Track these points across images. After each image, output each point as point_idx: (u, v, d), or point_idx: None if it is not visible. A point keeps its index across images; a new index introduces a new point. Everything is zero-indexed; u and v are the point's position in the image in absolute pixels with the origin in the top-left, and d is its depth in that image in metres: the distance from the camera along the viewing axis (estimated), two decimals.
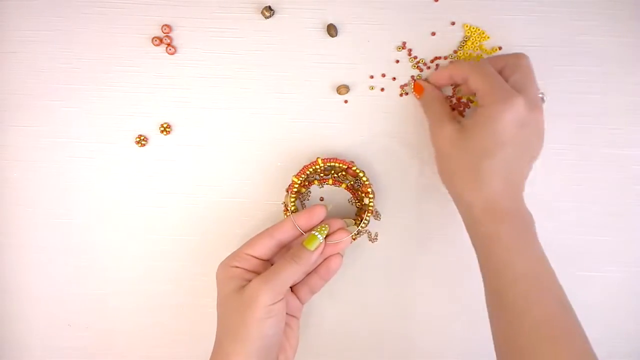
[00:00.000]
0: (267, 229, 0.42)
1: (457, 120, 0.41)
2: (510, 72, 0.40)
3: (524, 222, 0.39)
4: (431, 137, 0.43)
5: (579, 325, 0.36)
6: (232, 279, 0.40)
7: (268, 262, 0.42)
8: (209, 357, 0.40)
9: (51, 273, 0.48)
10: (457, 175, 0.40)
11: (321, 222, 0.42)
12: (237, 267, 0.40)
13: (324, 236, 0.41)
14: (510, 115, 0.38)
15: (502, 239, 0.38)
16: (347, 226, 0.43)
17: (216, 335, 0.40)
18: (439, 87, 0.45)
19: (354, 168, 0.43)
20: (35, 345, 0.49)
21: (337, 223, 0.42)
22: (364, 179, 0.43)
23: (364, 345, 0.49)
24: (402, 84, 0.46)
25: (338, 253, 0.42)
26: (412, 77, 0.46)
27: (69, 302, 0.49)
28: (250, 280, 0.39)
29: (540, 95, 0.40)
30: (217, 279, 0.41)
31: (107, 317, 0.49)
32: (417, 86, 0.45)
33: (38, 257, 0.48)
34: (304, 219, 0.41)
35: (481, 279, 0.48)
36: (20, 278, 0.48)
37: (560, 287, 0.37)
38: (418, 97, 0.45)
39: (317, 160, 0.43)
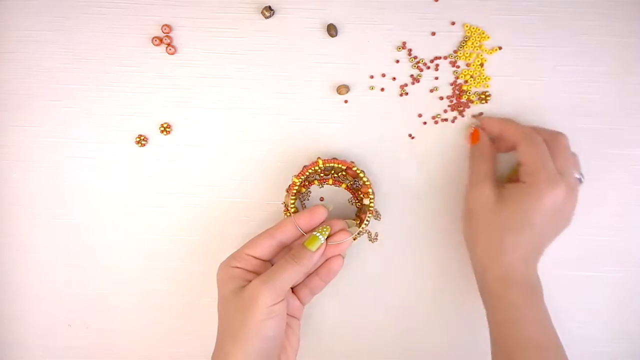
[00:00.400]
0: (268, 230, 0.42)
1: (497, 184, 0.42)
2: (551, 151, 0.40)
3: (535, 291, 0.40)
4: (467, 193, 0.43)
5: None
6: (232, 280, 0.39)
7: (269, 263, 0.42)
8: (210, 357, 0.40)
9: (51, 273, 0.48)
10: (480, 239, 0.41)
11: (322, 222, 0.42)
12: (237, 267, 0.40)
13: (325, 237, 0.40)
14: (550, 202, 0.38)
15: (513, 304, 0.38)
16: (349, 227, 0.43)
17: (217, 336, 0.40)
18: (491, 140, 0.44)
19: (354, 169, 0.43)
20: (35, 345, 0.49)
21: (339, 224, 0.42)
22: (365, 179, 0.43)
23: (365, 345, 0.49)
24: (402, 83, 0.46)
25: (339, 254, 0.42)
26: (473, 125, 0.45)
27: (69, 302, 0.49)
28: (250, 281, 0.38)
29: (578, 177, 0.41)
30: (217, 279, 0.41)
31: (107, 317, 0.49)
32: (475, 134, 0.44)
33: (38, 257, 0.48)
34: (305, 220, 0.41)
35: None
36: (20, 278, 0.48)
37: (565, 357, 0.38)
38: (471, 144, 0.44)
39: (317, 161, 0.43)
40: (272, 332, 0.37)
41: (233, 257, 0.41)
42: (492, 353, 0.40)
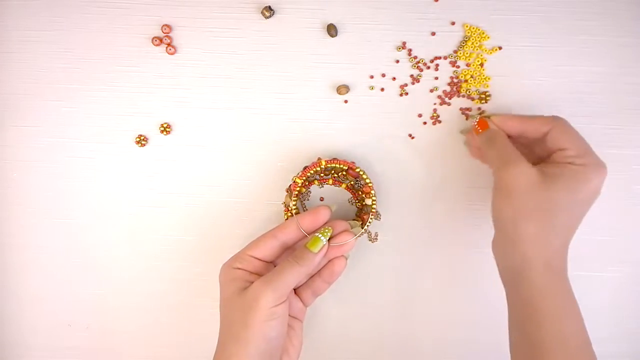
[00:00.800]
0: (271, 230, 0.41)
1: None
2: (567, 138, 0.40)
3: (568, 281, 0.38)
4: (501, 173, 0.39)
5: None
6: (235, 281, 0.39)
7: (271, 264, 0.42)
8: (210, 357, 0.40)
9: (51, 273, 0.48)
10: (525, 221, 0.37)
11: (325, 223, 0.42)
12: (239, 268, 0.40)
13: (328, 238, 0.40)
14: (598, 183, 0.38)
15: (554, 294, 0.37)
16: (352, 228, 0.43)
17: (219, 337, 0.40)
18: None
19: (358, 170, 0.43)
20: (35, 345, 0.49)
21: (341, 225, 0.42)
22: (367, 179, 0.43)
23: (366, 345, 0.49)
24: (402, 83, 0.46)
25: (342, 256, 0.42)
26: (479, 109, 0.45)
27: (69, 302, 0.49)
28: (252, 282, 0.38)
29: None
30: (219, 280, 0.41)
31: (107, 317, 0.49)
32: (482, 122, 0.42)
33: (38, 257, 0.48)
34: (308, 221, 0.41)
35: (482, 279, 0.48)
36: (20, 278, 0.48)
37: (587, 336, 0.38)
38: (479, 132, 0.42)
39: (320, 161, 0.43)
40: (274, 333, 0.37)
41: (235, 258, 0.41)
42: (514, 345, 0.39)
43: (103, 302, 0.49)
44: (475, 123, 0.43)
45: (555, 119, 0.40)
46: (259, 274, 0.40)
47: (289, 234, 0.41)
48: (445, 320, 0.49)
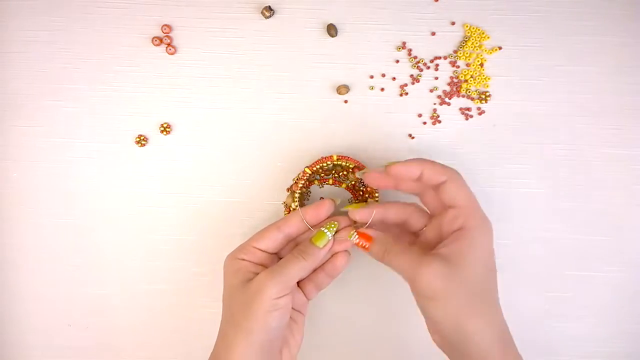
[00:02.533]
0: (275, 223, 0.42)
1: (430, 256, 0.36)
2: (456, 191, 0.37)
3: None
4: (414, 284, 0.36)
5: None
6: (239, 272, 0.40)
7: (275, 256, 0.43)
8: (210, 353, 0.40)
9: (51, 273, 0.48)
10: (461, 312, 0.35)
11: (329, 217, 0.42)
12: (244, 259, 0.40)
13: (333, 233, 0.40)
14: (491, 239, 0.37)
15: None
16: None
17: (220, 327, 0.40)
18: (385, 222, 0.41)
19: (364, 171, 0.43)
20: (35, 345, 0.49)
21: (345, 220, 0.42)
22: None
23: (365, 344, 0.49)
24: (402, 83, 0.46)
25: (345, 250, 0.42)
26: (356, 235, 0.39)
27: (69, 302, 0.49)
28: (257, 274, 0.39)
29: None
30: (224, 270, 0.41)
31: (107, 317, 0.49)
32: (363, 239, 0.39)
33: (38, 257, 0.48)
34: (312, 213, 0.41)
35: None
36: (20, 278, 0.48)
37: None
38: (366, 248, 0.39)
39: (332, 156, 0.43)
40: (276, 323, 0.38)
41: (240, 249, 0.41)
42: None
43: (103, 302, 0.49)
44: (357, 241, 0.39)
45: (450, 170, 0.38)
46: (263, 266, 0.41)
47: (293, 226, 0.41)
48: None
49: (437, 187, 0.38)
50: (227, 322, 0.40)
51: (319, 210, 0.41)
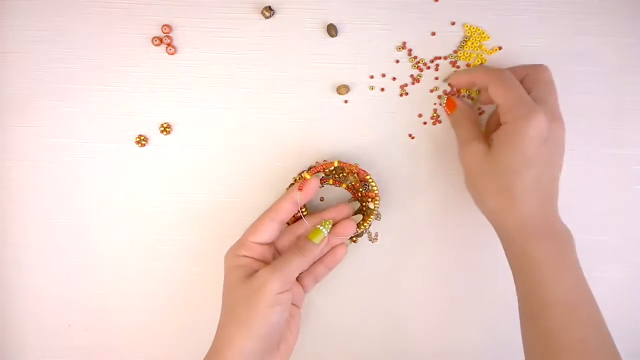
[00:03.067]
0: (267, 212, 0.42)
1: (487, 140, 0.41)
2: (530, 84, 0.40)
3: (560, 241, 0.38)
4: (459, 156, 0.43)
5: (616, 353, 0.37)
6: (240, 267, 0.41)
7: (273, 247, 0.44)
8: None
9: (51, 273, 0.48)
10: (488, 195, 0.40)
11: (327, 213, 0.43)
12: (245, 256, 0.41)
13: (328, 230, 0.42)
14: (534, 131, 0.37)
15: (537, 259, 0.37)
16: (354, 211, 0.44)
17: (220, 320, 0.41)
18: (469, 106, 0.44)
19: (367, 177, 0.43)
20: (35, 345, 0.49)
21: (344, 209, 0.43)
22: (374, 187, 0.43)
23: (363, 344, 0.49)
24: (402, 83, 0.46)
25: (343, 243, 0.44)
26: (445, 92, 0.45)
27: (69, 302, 0.49)
28: (257, 270, 0.40)
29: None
30: (226, 267, 0.42)
31: (107, 317, 0.49)
32: (449, 102, 0.44)
33: (38, 257, 0.48)
34: (301, 195, 0.42)
35: (481, 278, 0.48)
36: (20, 278, 0.48)
37: (597, 312, 0.37)
38: (449, 112, 0.45)
39: (333, 162, 0.43)
40: (276, 319, 0.39)
41: (239, 245, 0.42)
42: (519, 309, 0.39)
43: (103, 302, 0.49)
44: (444, 105, 0.45)
45: (494, 74, 0.40)
46: (263, 260, 0.42)
47: (284, 212, 0.42)
48: (442, 319, 0.49)
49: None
50: (227, 316, 0.40)
51: (306, 190, 0.42)
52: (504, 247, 0.41)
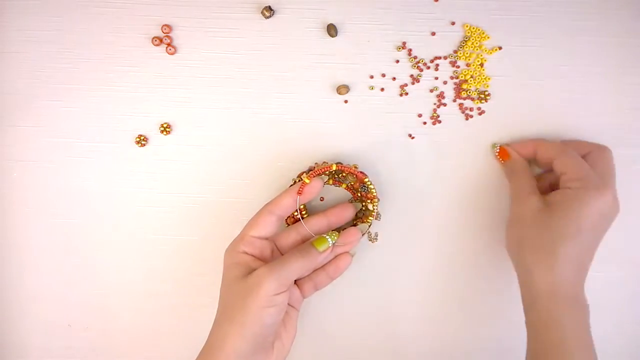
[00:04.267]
0: (266, 206, 0.42)
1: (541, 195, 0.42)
2: (593, 161, 0.42)
3: (584, 311, 0.39)
4: (513, 205, 0.43)
5: None
6: (239, 265, 0.40)
7: (272, 243, 0.43)
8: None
9: (51, 273, 0.48)
10: (530, 250, 0.40)
11: (327, 212, 0.44)
12: (245, 252, 0.41)
13: (334, 241, 0.41)
14: (600, 205, 0.39)
15: (562, 326, 0.37)
16: (357, 211, 0.44)
17: (215, 318, 0.41)
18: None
19: (366, 180, 0.43)
20: (35, 345, 0.49)
21: (346, 210, 0.44)
22: (373, 190, 0.43)
23: (362, 345, 0.49)
24: (402, 83, 0.46)
25: (347, 253, 0.43)
26: (498, 147, 0.45)
27: (69, 302, 0.49)
28: (255, 268, 0.40)
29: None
30: (225, 264, 0.42)
31: (107, 317, 0.49)
32: (503, 152, 0.45)
33: (38, 257, 0.48)
34: (303, 192, 0.42)
35: (480, 279, 0.48)
36: (20, 278, 0.48)
37: None
38: (502, 162, 0.45)
39: (331, 166, 0.43)
40: (271, 320, 0.38)
41: (239, 240, 0.42)
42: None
43: (103, 302, 0.49)
44: (497, 152, 0.45)
45: (560, 147, 0.42)
46: (262, 258, 0.42)
47: (284, 207, 0.42)
48: (440, 319, 0.49)
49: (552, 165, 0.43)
50: (222, 313, 0.40)
51: (310, 189, 0.42)
52: (525, 307, 0.40)
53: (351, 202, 0.47)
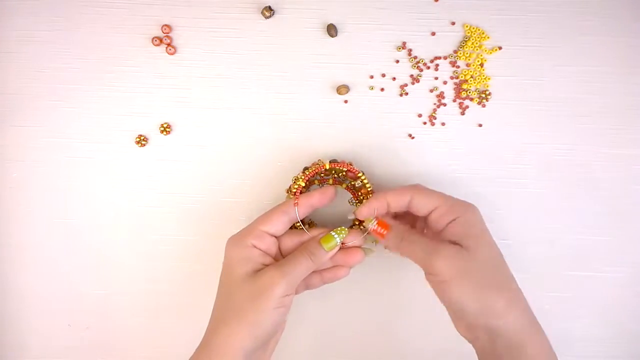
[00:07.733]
0: (280, 206, 0.42)
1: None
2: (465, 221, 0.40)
3: (542, 331, 0.39)
4: (430, 270, 0.38)
5: None
6: (248, 261, 0.40)
7: (277, 242, 0.42)
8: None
9: (51, 273, 0.48)
10: (488, 295, 0.37)
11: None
12: (255, 247, 0.40)
13: (342, 239, 0.41)
14: (483, 219, 0.40)
15: (534, 354, 0.37)
16: (365, 251, 0.43)
17: (215, 314, 0.40)
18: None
19: (358, 174, 0.43)
20: (35, 345, 0.49)
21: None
22: (366, 183, 0.43)
23: (361, 345, 0.49)
24: (402, 84, 0.46)
25: (345, 266, 0.43)
26: (375, 221, 0.41)
27: (69, 302, 0.49)
28: (264, 265, 0.40)
29: None
30: (229, 255, 0.41)
31: (107, 317, 0.49)
32: (382, 223, 0.41)
33: (38, 257, 0.48)
34: (317, 198, 0.42)
35: None
36: (20, 278, 0.48)
37: None
38: (384, 234, 0.40)
39: (323, 165, 0.43)
40: (280, 319, 0.39)
41: (249, 233, 0.40)
42: None
43: (103, 302, 0.49)
44: (375, 228, 0.41)
45: (410, 187, 0.41)
46: (270, 254, 0.41)
47: (299, 212, 0.41)
48: (442, 321, 0.49)
49: (409, 207, 0.40)
50: (226, 309, 0.39)
51: (322, 195, 0.42)
52: (487, 350, 0.38)
53: (351, 202, 0.47)
